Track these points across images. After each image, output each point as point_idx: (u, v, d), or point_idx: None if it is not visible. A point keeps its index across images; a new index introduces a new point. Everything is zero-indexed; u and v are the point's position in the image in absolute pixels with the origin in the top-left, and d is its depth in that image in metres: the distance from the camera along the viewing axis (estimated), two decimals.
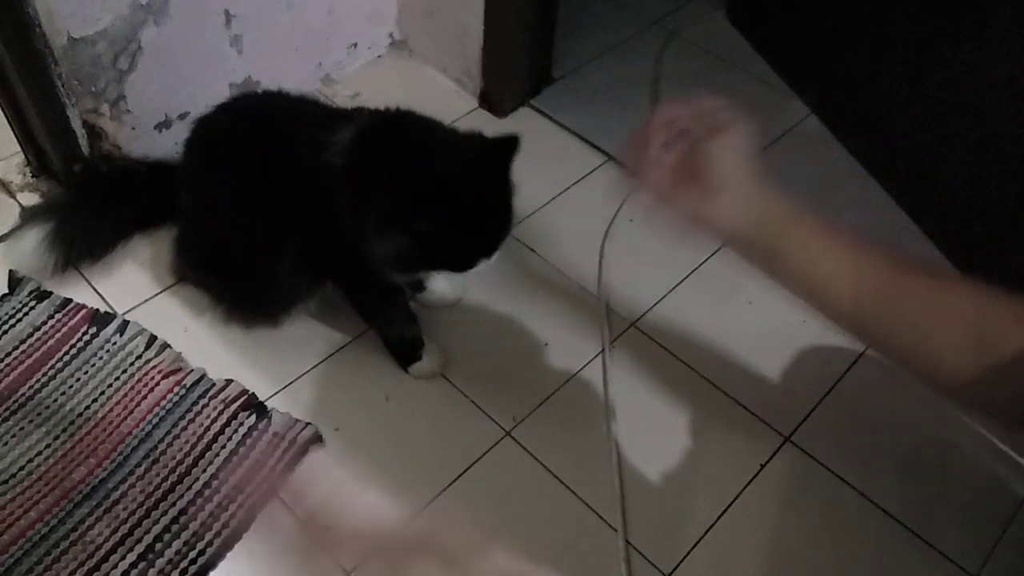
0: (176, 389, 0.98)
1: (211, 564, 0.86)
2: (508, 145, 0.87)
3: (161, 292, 1.09)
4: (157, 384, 0.98)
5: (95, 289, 1.09)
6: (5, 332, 1.02)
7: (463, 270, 0.89)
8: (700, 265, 1.17)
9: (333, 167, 0.87)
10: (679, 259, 1.17)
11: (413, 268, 0.92)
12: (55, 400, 0.97)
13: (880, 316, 0.69)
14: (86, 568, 0.84)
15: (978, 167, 1.15)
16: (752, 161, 0.73)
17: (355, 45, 1.42)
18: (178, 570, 0.85)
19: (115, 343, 1.02)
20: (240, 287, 1.03)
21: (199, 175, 1.02)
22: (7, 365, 0.99)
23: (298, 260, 0.96)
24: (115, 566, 0.85)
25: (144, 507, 0.89)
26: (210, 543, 0.87)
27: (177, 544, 0.86)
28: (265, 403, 0.99)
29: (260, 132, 0.97)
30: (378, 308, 1.02)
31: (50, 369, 1.00)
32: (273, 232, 0.95)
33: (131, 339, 1.02)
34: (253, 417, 0.96)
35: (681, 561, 0.89)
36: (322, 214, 0.91)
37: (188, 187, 1.04)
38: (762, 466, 0.98)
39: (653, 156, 0.71)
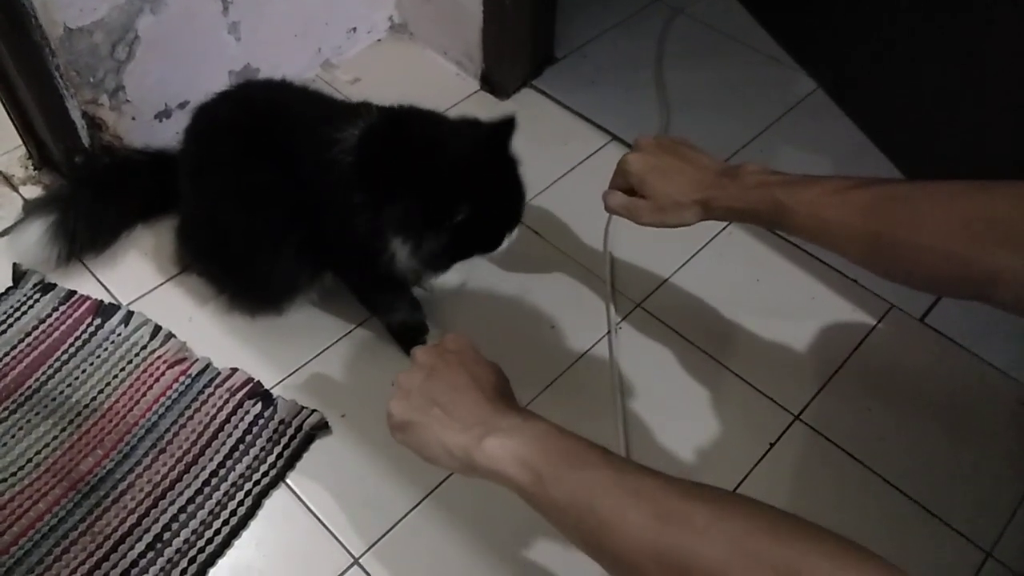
0: (181, 379, 0.98)
1: (219, 553, 0.86)
2: (508, 125, 0.89)
3: (165, 282, 1.09)
4: (162, 374, 0.98)
5: (99, 280, 1.09)
6: (10, 325, 1.02)
7: (493, 249, 0.92)
8: (706, 244, 1.16)
9: (342, 165, 0.87)
10: (685, 238, 1.15)
11: (449, 261, 0.94)
12: (61, 392, 0.97)
13: (933, 246, 0.70)
14: (95, 558, 0.84)
15: (989, 140, 1.13)
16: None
17: (354, 29, 1.41)
18: (186, 559, 0.85)
19: (120, 334, 1.02)
20: (241, 276, 1.02)
21: (200, 164, 1.01)
22: (13, 358, 0.99)
23: (299, 251, 0.95)
24: (124, 556, 0.85)
25: (151, 497, 0.89)
26: (218, 532, 0.87)
27: (185, 533, 0.87)
28: (271, 391, 0.98)
29: (263, 122, 0.96)
30: (381, 297, 1.02)
31: (56, 361, 1.00)
32: (274, 223, 0.95)
33: (136, 329, 1.02)
34: (259, 405, 0.96)
35: None
36: (327, 209, 0.90)
37: (188, 175, 1.03)
38: (772, 445, 0.97)
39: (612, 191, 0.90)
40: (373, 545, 0.87)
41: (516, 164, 0.91)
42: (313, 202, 0.91)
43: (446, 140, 0.89)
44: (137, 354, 1.00)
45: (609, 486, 0.58)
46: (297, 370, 1.01)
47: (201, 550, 0.86)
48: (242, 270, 1.01)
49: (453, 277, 1.10)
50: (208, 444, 0.93)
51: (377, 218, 0.87)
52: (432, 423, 0.67)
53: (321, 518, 0.89)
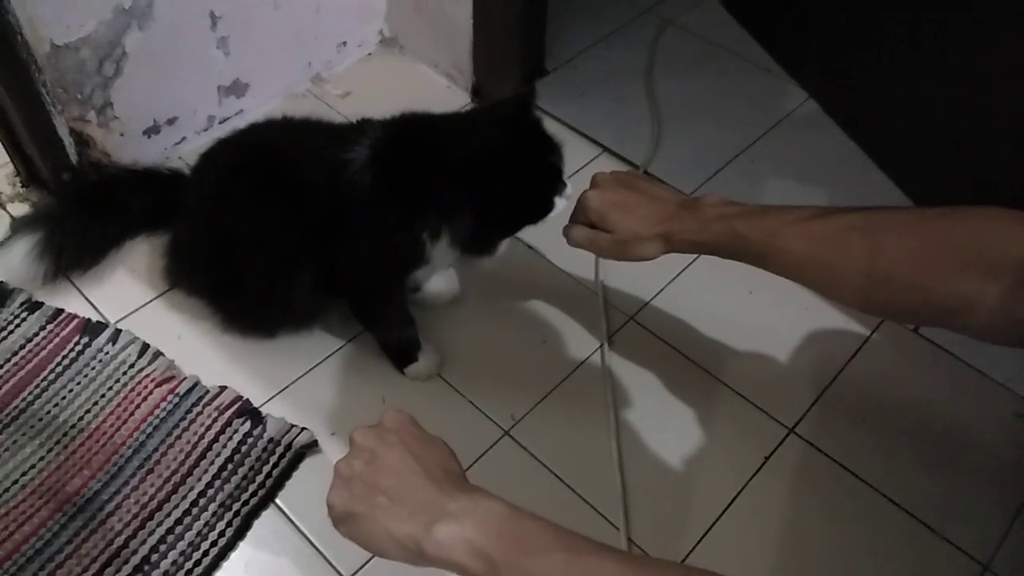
0: (169, 397, 0.97)
1: (207, 575, 0.85)
2: (528, 95, 0.91)
3: (153, 299, 1.08)
4: (151, 393, 0.97)
5: (87, 298, 1.08)
6: None
7: (546, 214, 0.90)
8: (698, 257, 1.15)
9: (360, 185, 0.86)
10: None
11: (501, 237, 0.94)
12: (48, 412, 0.96)
13: (893, 275, 0.70)
14: None
15: (980, 148, 1.12)
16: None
17: (344, 43, 1.40)
18: None
19: (108, 353, 1.01)
20: (258, 315, 1.02)
21: (210, 206, 1.00)
22: (0, 378, 0.98)
23: (316, 281, 0.95)
24: None
25: (139, 518, 0.88)
26: (206, 553, 0.86)
27: (173, 555, 0.85)
28: (260, 409, 0.97)
29: (270, 161, 0.95)
30: (381, 313, 1.01)
31: (43, 381, 0.99)
32: (291, 259, 0.94)
33: (123, 348, 1.01)
34: (248, 424, 0.95)
35: (685, 558, 0.88)
36: (344, 231, 0.90)
37: (197, 216, 1.02)
38: (766, 459, 0.96)
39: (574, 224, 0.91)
40: (363, 566, 0.86)
41: (541, 125, 0.90)
42: (327, 228, 0.90)
43: (459, 128, 0.90)
44: (125, 373, 0.99)
45: (565, 571, 0.56)
46: (286, 388, 1.00)
47: (189, 572, 0.84)
48: (260, 306, 1.00)
49: (445, 291, 1.09)
50: (196, 464, 0.92)
51: (412, 226, 0.87)
52: (377, 513, 0.62)
53: (311, 538, 0.88)
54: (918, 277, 0.67)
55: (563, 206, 0.90)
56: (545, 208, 0.90)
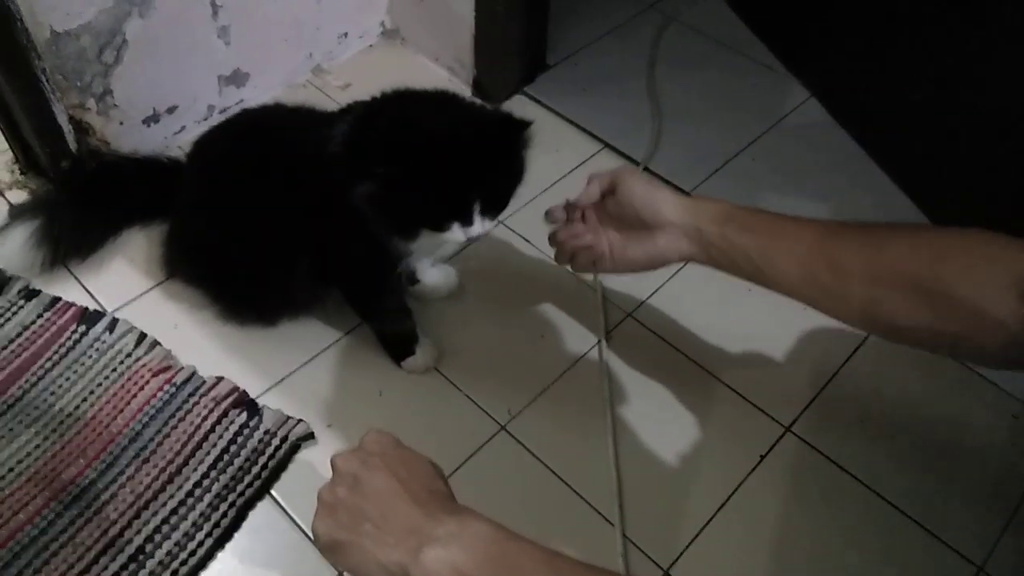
0: (166, 387, 0.97)
1: (201, 565, 0.85)
2: (513, 125, 0.87)
3: (151, 289, 1.08)
4: (147, 382, 0.97)
5: (84, 287, 1.08)
6: None
7: (437, 229, 0.84)
8: None
9: (337, 156, 0.86)
10: None
11: (391, 218, 0.86)
12: (44, 400, 0.96)
13: (895, 274, 0.69)
14: (76, 570, 0.83)
15: (983, 149, 1.12)
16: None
17: (345, 35, 1.40)
18: (168, 571, 0.84)
19: (104, 341, 1.01)
20: (257, 302, 1.02)
21: (206, 193, 1.00)
22: None
23: (312, 267, 0.95)
24: (105, 568, 0.84)
25: (134, 508, 0.88)
26: (201, 543, 0.86)
27: (168, 545, 0.85)
28: (256, 400, 0.97)
29: (265, 147, 0.95)
30: (377, 303, 1.01)
31: (39, 369, 0.98)
32: (288, 244, 0.94)
33: (120, 337, 1.01)
34: (244, 415, 0.95)
35: (680, 555, 0.88)
36: (329, 209, 0.89)
37: (194, 206, 1.02)
38: (762, 457, 0.96)
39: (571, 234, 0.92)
40: None
41: (515, 167, 0.87)
42: (318, 207, 0.89)
43: (423, 108, 0.87)
44: (122, 362, 0.99)
45: None
46: (283, 379, 1.00)
47: (183, 563, 0.84)
48: (259, 293, 1.01)
49: (442, 284, 1.09)
50: (192, 454, 0.92)
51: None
52: (364, 541, 0.61)
53: (306, 530, 0.88)
54: (922, 276, 0.67)
55: (460, 237, 0.83)
56: (438, 224, 0.83)
